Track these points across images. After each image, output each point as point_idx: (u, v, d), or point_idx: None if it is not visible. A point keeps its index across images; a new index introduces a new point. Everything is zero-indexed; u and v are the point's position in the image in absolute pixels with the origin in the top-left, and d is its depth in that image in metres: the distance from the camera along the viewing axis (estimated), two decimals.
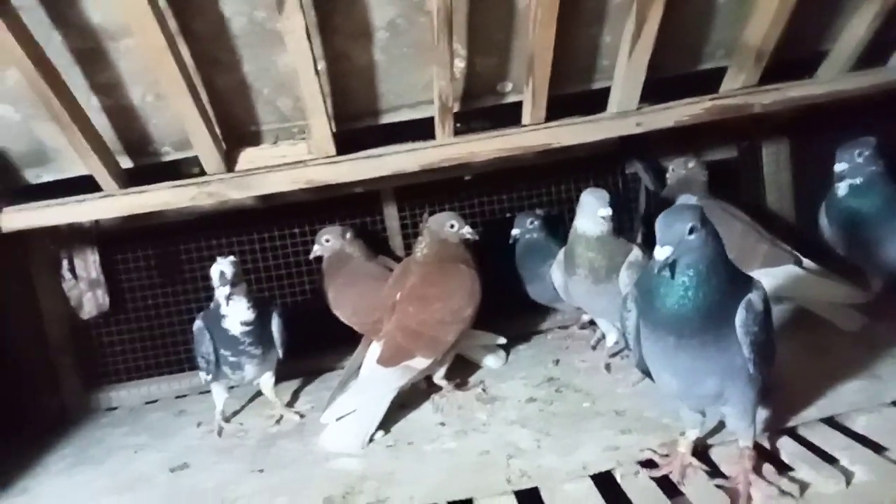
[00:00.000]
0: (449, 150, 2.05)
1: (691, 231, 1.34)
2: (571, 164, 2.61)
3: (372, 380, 1.99)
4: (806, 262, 2.20)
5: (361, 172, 2.06)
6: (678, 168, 2.52)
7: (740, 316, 1.38)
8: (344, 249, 2.42)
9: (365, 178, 2.06)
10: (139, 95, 1.90)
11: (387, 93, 2.02)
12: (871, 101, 2.27)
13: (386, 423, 1.95)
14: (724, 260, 1.41)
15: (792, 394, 1.74)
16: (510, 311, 2.56)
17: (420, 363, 2.02)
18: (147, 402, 2.51)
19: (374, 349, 2.04)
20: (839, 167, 2.12)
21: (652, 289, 1.42)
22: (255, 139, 2.08)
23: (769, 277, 2.11)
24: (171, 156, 2.07)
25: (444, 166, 2.08)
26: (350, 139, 2.09)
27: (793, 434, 1.61)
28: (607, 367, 2.14)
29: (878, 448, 1.52)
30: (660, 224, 1.38)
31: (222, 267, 1.97)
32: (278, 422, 2.14)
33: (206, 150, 1.94)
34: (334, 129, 1.99)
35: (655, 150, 2.71)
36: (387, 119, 2.09)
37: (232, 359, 2.06)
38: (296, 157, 2.03)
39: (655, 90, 2.13)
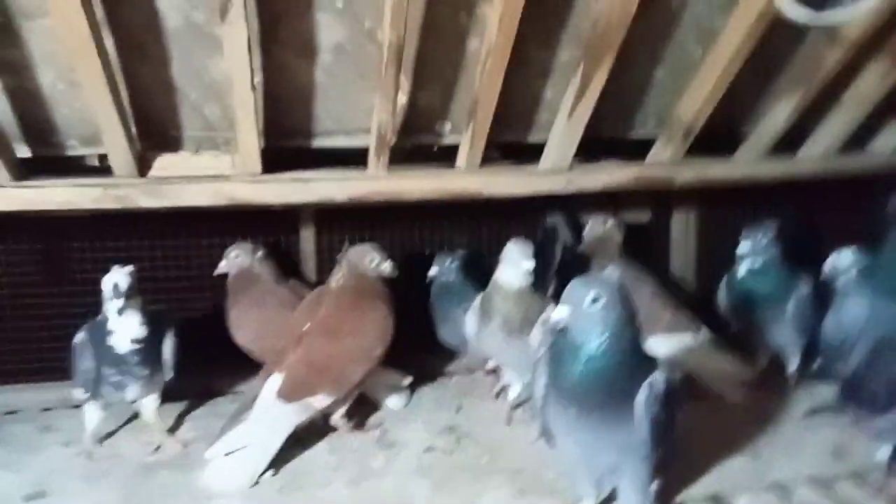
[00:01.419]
0: (380, 183, 2.00)
1: (594, 300, 1.36)
2: (495, 206, 2.62)
3: (268, 414, 1.86)
4: (704, 332, 2.27)
5: (287, 195, 1.96)
6: (596, 226, 2.55)
7: (641, 396, 1.40)
8: (253, 269, 2.28)
9: (290, 201, 1.96)
10: (49, 81, 1.73)
11: (324, 116, 1.95)
12: (779, 183, 2.42)
13: (277, 463, 1.83)
14: (633, 338, 1.43)
15: (681, 467, 1.76)
16: (416, 349, 2.52)
17: (322, 401, 1.92)
18: (7, 413, 2.23)
19: (274, 381, 1.90)
20: (741, 248, 2.22)
21: (561, 356, 1.43)
22: (174, 144, 1.93)
23: (668, 344, 2.19)
24: (77, 150, 1.89)
25: (372, 199, 2.02)
26: (276, 157, 1.99)
27: None
28: (509, 419, 2.13)
29: None
30: (568, 287, 1.41)
31: (117, 278, 1.80)
32: (157, 450, 1.96)
33: (118, 149, 1.79)
34: (263, 146, 1.89)
35: (576, 205, 2.78)
36: (320, 143, 2.01)
37: (115, 378, 1.88)
38: (218, 170, 1.91)
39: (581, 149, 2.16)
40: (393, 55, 1.64)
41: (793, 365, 2.27)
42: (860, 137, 2.41)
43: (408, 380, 2.30)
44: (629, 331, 1.41)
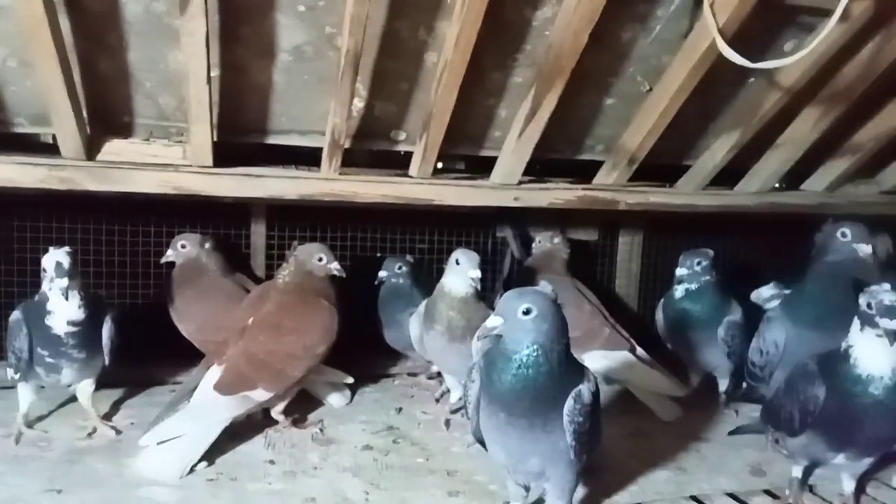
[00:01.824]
0: (333, 185, 2.02)
1: (527, 312, 1.41)
2: (447, 216, 2.67)
3: (205, 406, 1.86)
4: (639, 350, 2.36)
5: (237, 189, 1.97)
6: (544, 241, 2.63)
7: (568, 405, 1.45)
8: (200, 259, 2.28)
9: (240, 196, 1.97)
10: (0, 58, 1.71)
11: (279, 114, 1.97)
12: (719, 214, 2.53)
13: (211, 454, 1.83)
14: (562, 349, 1.48)
15: (608, 475, 1.84)
16: (361, 350, 2.54)
17: (261, 395, 1.93)
18: None
19: (214, 373, 1.91)
20: (679, 272, 2.32)
21: (493, 363, 1.48)
22: (125, 131, 1.93)
23: (605, 360, 2.29)
24: (25, 128, 1.87)
25: (324, 200, 2.05)
26: (228, 150, 2.00)
27: None
28: (447, 422, 2.17)
29: None
30: (502, 297, 1.46)
31: (58, 257, 1.78)
32: (90, 435, 1.94)
33: (67, 131, 1.77)
34: (216, 139, 1.90)
35: (526, 219, 2.84)
36: (274, 140, 2.03)
37: (49, 360, 1.86)
38: (168, 159, 1.91)
39: (531, 166, 2.23)
40: (350, 62, 1.67)
41: (722, 385, 2.37)
42: (795, 177, 2.54)
43: (350, 379, 2.32)
44: (559, 342, 1.46)
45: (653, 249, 3.02)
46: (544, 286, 1.50)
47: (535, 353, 1.42)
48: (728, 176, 2.49)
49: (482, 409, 1.53)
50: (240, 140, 2.00)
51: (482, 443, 1.61)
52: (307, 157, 2.15)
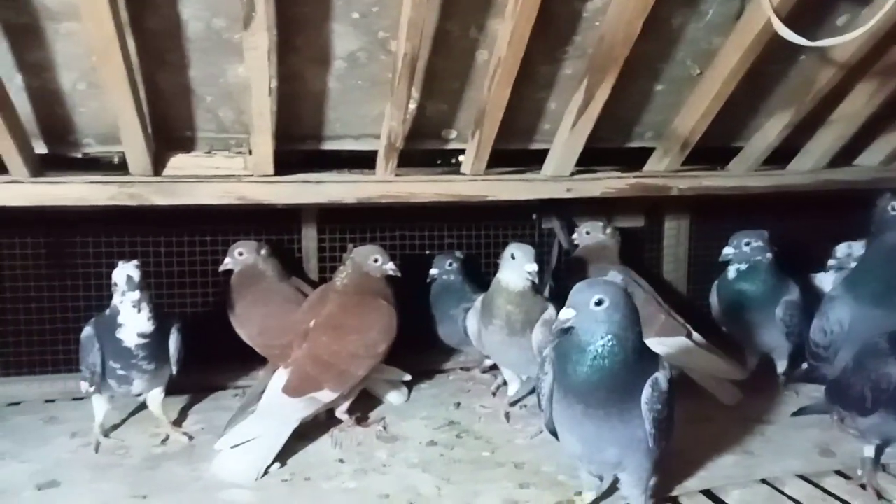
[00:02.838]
0: (389, 186, 2.05)
1: (599, 303, 1.42)
2: (492, 210, 2.67)
3: (275, 408, 1.91)
4: (696, 335, 2.35)
5: (297, 196, 2.01)
6: (594, 231, 2.61)
7: (646, 393, 1.46)
8: (257, 266, 2.33)
9: (300, 202, 2.01)
10: (70, 81, 1.76)
11: (334, 120, 2.00)
12: (770, 195, 2.51)
13: (283, 456, 1.88)
14: (636, 338, 1.49)
15: (677, 463, 1.85)
16: (415, 347, 2.57)
17: (327, 396, 1.97)
18: (10, 404, 2.26)
19: (280, 376, 1.96)
20: (725, 251, 2.30)
21: (567, 355, 1.49)
22: (188, 145, 1.98)
23: (662, 346, 2.25)
24: (93, 148, 1.93)
25: (381, 202, 2.07)
26: (282, 159, 2.04)
27: (675, 503, 1.71)
28: (507, 415, 2.18)
29: None
30: (573, 289, 1.47)
31: (129, 271, 1.84)
32: (164, 442, 2.00)
33: (135, 148, 1.83)
34: (275, 148, 1.94)
35: (571, 209, 2.84)
36: (329, 146, 2.06)
37: (121, 372, 1.91)
38: (230, 170, 1.96)
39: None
40: (407, 66, 1.70)
41: (781, 367, 2.35)
42: (848, 153, 2.50)
43: (408, 376, 2.35)
44: (632, 331, 1.47)
45: (700, 233, 2.99)
46: (614, 276, 1.50)
47: (609, 344, 1.44)
48: (778, 156, 2.46)
49: (556, 402, 1.55)
50: (296, 148, 2.04)
51: (555, 434, 1.62)
52: (356, 161, 2.18)
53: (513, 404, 2.23)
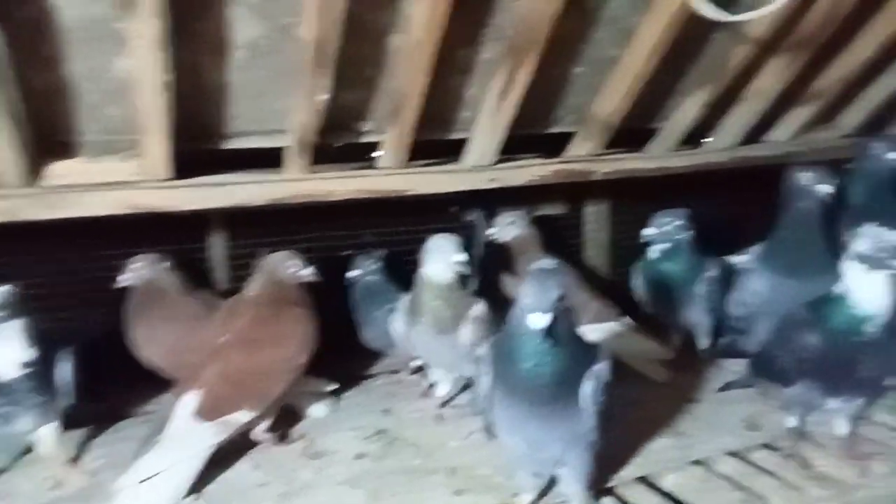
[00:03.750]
0: (301, 185, 1.90)
1: (561, 298, 1.35)
2: (411, 205, 2.57)
3: (185, 436, 1.72)
4: (626, 318, 2.36)
5: (199, 201, 1.82)
6: (518, 221, 2.57)
7: (588, 386, 1.42)
8: (159, 280, 2.13)
9: (204, 207, 1.83)
10: None
11: (238, 116, 1.83)
12: (687, 174, 2.53)
13: (197, 486, 1.71)
14: (573, 330, 1.44)
15: (612, 451, 1.79)
16: (338, 353, 2.44)
17: (243, 417, 1.81)
18: None
19: (189, 400, 1.77)
20: (647, 232, 2.32)
21: (509, 353, 1.41)
22: (71, 151, 1.75)
23: (596, 333, 2.24)
24: None
25: (294, 202, 1.92)
26: (186, 161, 1.86)
27: (612, 493, 1.67)
28: (439, 416, 2.10)
29: None
30: (533, 289, 1.35)
31: (2, 297, 1.62)
32: (59, 485, 1.76)
33: (5, 156, 1.59)
34: (172, 149, 1.75)
35: (492, 200, 2.77)
36: (236, 144, 1.89)
37: (2, 409, 1.68)
38: (122, 176, 1.75)
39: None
40: (315, 54, 1.56)
41: (703, 343, 2.37)
42: (759, 130, 2.56)
43: (332, 386, 2.23)
44: (571, 323, 1.42)
45: (620, 217, 3.01)
46: (546, 263, 1.44)
47: (559, 338, 1.36)
48: (693, 136, 2.48)
49: (498, 402, 1.47)
50: (198, 147, 1.85)
51: (495, 435, 1.56)
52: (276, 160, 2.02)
53: (444, 405, 2.15)
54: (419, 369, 2.38)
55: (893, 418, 1.97)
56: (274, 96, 1.81)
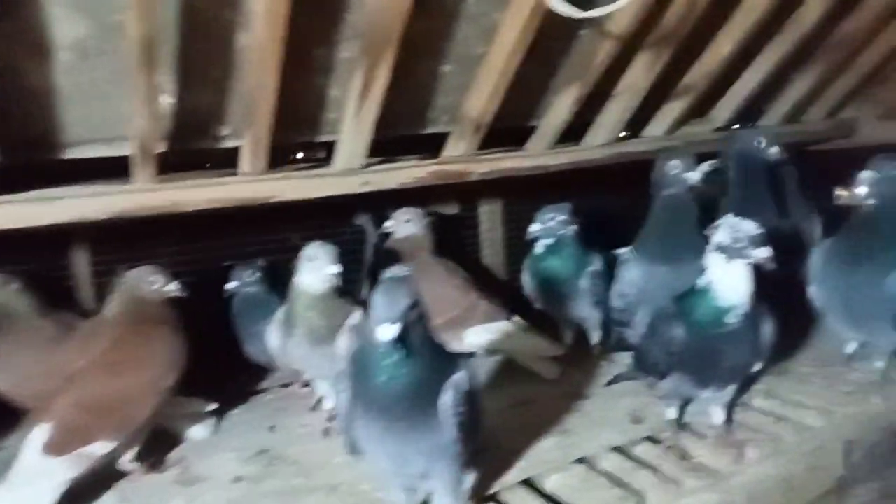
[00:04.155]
0: (149, 196, 1.76)
1: (413, 306, 1.29)
2: (298, 210, 2.47)
3: (32, 473, 1.58)
4: (515, 317, 2.33)
5: (31, 218, 1.66)
6: (408, 222, 2.50)
7: (448, 397, 1.36)
8: (8, 302, 1.96)
9: (35, 224, 1.67)
10: None
11: (75, 123, 1.68)
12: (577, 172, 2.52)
13: None
14: (431, 337, 1.38)
15: (497, 455, 1.78)
16: (226, 369, 2.32)
17: (102, 448, 1.67)
18: None
19: (40, 432, 1.62)
20: (532, 228, 2.31)
21: (364, 368, 1.36)
22: None
23: (487, 333, 2.26)
24: None
25: (142, 214, 1.79)
26: (21, 173, 1.71)
27: (494, 500, 1.64)
28: (326, 431, 2.02)
29: None
30: (381, 299, 1.29)
31: None
32: None
33: None
34: None
35: (382, 202, 2.70)
36: (76, 153, 1.74)
37: None
38: None
39: (383, 147, 2.11)
40: (144, 51, 1.44)
41: (595, 337, 2.39)
42: (636, 124, 2.58)
43: (211, 406, 2.10)
44: (427, 328, 1.36)
45: (513, 215, 3.00)
46: (399, 272, 1.39)
47: (414, 349, 1.31)
48: (576, 132, 2.49)
49: (359, 419, 1.41)
50: (28, 158, 1.70)
51: (359, 453, 1.49)
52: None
53: (332, 419, 2.06)
54: (309, 383, 2.30)
55: (768, 403, 2.02)
56: (117, 101, 1.67)
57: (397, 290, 1.31)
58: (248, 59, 1.65)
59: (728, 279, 1.61)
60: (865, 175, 1.97)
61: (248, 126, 1.77)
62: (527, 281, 2.42)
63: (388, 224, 2.52)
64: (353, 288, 2.42)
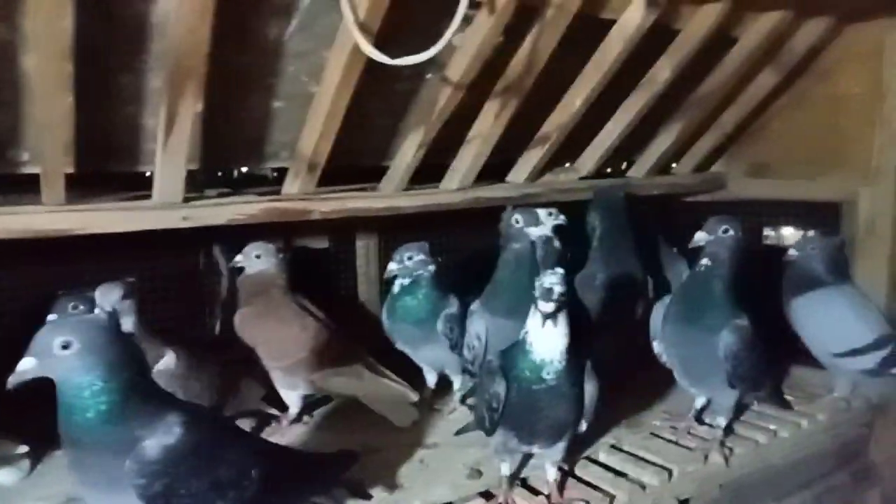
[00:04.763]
0: None
1: (65, 346, 1.18)
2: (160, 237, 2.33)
3: None
4: (370, 360, 2.24)
5: None
6: (266, 255, 2.33)
7: (137, 460, 1.20)
8: None
9: None
10: None
11: None
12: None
13: None
14: (135, 381, 1.24)
15: None
16: (42, 410, 2.14)
17: None
18: None
19: None
20: (390, 267, 2.21)
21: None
22: None
23: (338, 376, 2.16)
24: None
25: None
26: None
27: None
28: None
29: None
30: (38, 333, 1.21)
31: None
32: None
33: None
34: None
35: (244, 234, 2.58)
36: None
37: None
38: None
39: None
40: None
41: (457, 383, 2.32)
42: (499, 169, 2.54)
43: (23, 448, 1.95)
44: (126, 372, 1.23)
45: (390, 251, 2.89)
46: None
47: (94, 393, 1.19)
48: (438, 172, 2.43)
49: None
50: None
51: None
52: None
53: None
54: None
55: (613, 457, 1.99)
56: None
57: (57, 326, 1.27)
58: (32, 83, 1.53)
59: (541, 334, 1.57)
60: (699, 236, 1.98)
61: (40, 153, 1.64)
62: (385, 322, 2.31)
63: (237, 259, 2.38)
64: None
